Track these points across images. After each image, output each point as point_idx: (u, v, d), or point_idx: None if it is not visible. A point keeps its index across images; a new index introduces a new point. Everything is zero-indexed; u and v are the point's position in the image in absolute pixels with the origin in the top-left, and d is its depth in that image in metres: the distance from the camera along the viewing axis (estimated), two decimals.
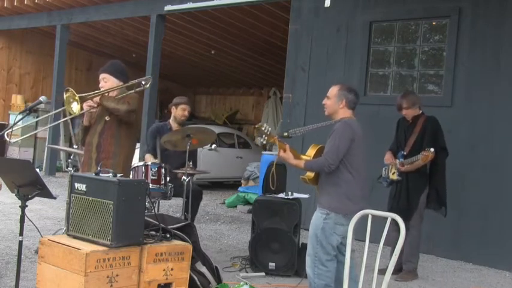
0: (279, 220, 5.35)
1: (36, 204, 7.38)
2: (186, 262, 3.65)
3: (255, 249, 5.40)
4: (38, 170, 6.38)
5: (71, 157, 5.97)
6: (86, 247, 3.26)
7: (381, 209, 3.76)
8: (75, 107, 4.23)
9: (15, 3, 11.76)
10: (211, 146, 9.06)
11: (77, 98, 4.22)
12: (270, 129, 3.98)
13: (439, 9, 7.02)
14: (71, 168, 5.46)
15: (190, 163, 5.62)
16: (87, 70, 15.18)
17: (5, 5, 12.05)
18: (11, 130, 4.25)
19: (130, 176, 5.03)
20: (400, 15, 7.36)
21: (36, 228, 3.98)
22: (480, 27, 6.65)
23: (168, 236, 3.70)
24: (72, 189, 3.53)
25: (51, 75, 12.66)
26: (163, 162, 5.63)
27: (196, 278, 4.01)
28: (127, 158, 4.55)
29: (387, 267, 3.09)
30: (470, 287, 5.52)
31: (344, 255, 3.91)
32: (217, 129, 12.81)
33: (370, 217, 3.16)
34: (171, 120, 6.17)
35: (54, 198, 3.84)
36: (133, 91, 4.63)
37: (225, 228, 7.79)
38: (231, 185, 12.46)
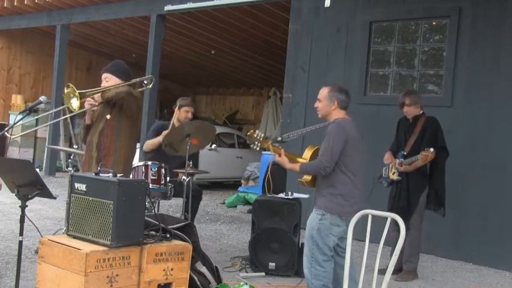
0: (279, 220, 5.35)
1: (36, 204, 7.38)
2: (186, 262, 3.65)
3: (255, 249, 5.40)
4: (38, 170, 6.37)
5: (71, 157, 5.97)
6: (86, 247, 3.25)
7: (381, 209, 3.76)
8: (75, 103, 4.23)
9: (15, 3, 11.76)
10: (211, 146, 9.05)
11: (77, 94, 4.21)
12: (262, 135, 3.98)
13: (439, 9, 7.02)
14: (71, 168, 5.46)
15: (190, 163, 5.62)
16: (87, 70, 15.19)
17: (5, 5, 12.05)
18: (11, 130, 4.25)
19: (131, 174, 5.03)
20: (400, 15, 7.36)
21: (36, 228, 3.98)
22: (480, 27, 6.65)
23: (168, 236, 3.69)
24: (72, 189, 3.52)
25: (51, 75, 12.66)
26: (163, 161, 5.61)
27: (196, 278, 4.01)
28: (128, 155, 4.54)
29: (387, 267, 3.09)
30: (470, 287, 5.52)
31: (340, 256, 3.93)
32: (217, 129, 12.82)
33: (370, 217, 3.16)
34: (174, 122, 6.15)
35: (54, 198, 3.84)
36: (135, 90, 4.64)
37: (225, 228, 7.79)
38: (231, 185, 12.46)
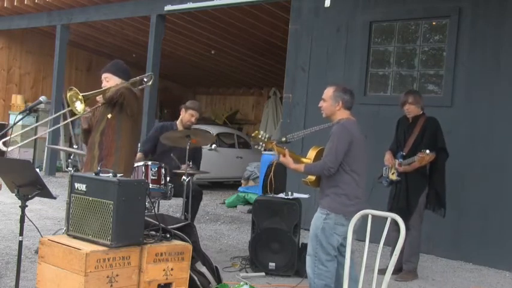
0: (279, 220, 5.35)
1: (36, 204, 7.38)
2: (186, 262, 3.65)
3: (255, 249, 5.40)
4: (38, 170, 6.37)
5: (71, 157, 5.97)
6: (86, 247, 3.25)
7: (381, 209, 3.76)
8: (79, 106, 4.24)
9: (15, 3, 11.75)
10: (211, 146, 9.05)
11: (80, 96, 4.23)
12: (267, 136, 3.99)
13: (439, 9, 7.02)
14: (71, 168, 5.47)
15: (190, 163, 5.62)
16: (87, 70, 15.18)
17: (5, 5, 12.05)
18: (11, 130, 4.25)
19: (135, 172, 5.03)
20: (400, 15, 7.36)
21: (36, 228, 3.98)
22: (480, 27, 6.65)
23: (168, 236, 3.69)
24: (72, 189, 3.52)
25: (51, 75, 12.66)
26: (164, 162, 5.62)
27: (196, 278, 4.02)
28: (129, 154, 4.54)
29: (387, 267, 3.09)
30: (470, 287, 5.52)
31: (343, 256, 3.92)
32: (217, 129, 12.85)
33: (370, 217, 3.16)
34: (178, 122, 6.15)
35: (54, 198, 3.84)
36: (135, 88, 4.64)
37: (225, 228, 7.79)
38: (231, 185, 12.46)
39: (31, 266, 4.86)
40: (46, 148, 12.18)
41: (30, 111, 4.07)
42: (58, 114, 9.00)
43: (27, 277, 4.48)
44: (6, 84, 14.15)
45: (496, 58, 6.52)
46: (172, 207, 8.66)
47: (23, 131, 6.05)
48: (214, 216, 8.69)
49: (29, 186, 3.50)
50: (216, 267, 4.39)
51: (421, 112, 5.61)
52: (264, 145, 3.98)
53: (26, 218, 3.51)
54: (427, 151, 5.30)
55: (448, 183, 5.63)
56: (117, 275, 3.29)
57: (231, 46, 12.24)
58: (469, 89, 6.69)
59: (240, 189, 10.29)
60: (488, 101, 6.54)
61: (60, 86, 11.94)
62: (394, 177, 5.58)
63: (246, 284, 4.48)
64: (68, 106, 4.36)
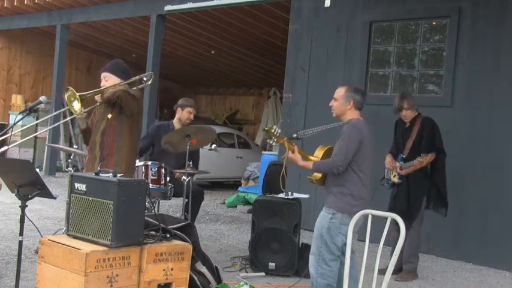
0: (279, 220, 5.35)
1: (36, 204, 7.38)
2: (186, 262, 3.65)
3: (255, 249, 5.40)
4: (38, 170, 6.37)
5: (71, 157, 5.97)
6: (86, 247, 3.25)
7: (382, 209, 3.75)
8: (77, 106, 4.26)
9: (15, 3, 11.76)
10: (211, 146, 9.06)
11: (77, 96, 4.24)
12: (279, 131, 4.01)
13: (439, 9, 7.02)
14: (71, 168, 5.47)
15: (190, 163, 5.62)
16: (87, 70, 15.19)
17: (5, 5, 12.05)
18: (11, 130, 4.24)
19: (135, 172, 5.03)
20: (400, 15, 7.36)
21: (36, 228, 3.98)
22: (480, 27, 6.65)
23: (168, 236, 3.69)
24: (72, 189, 3.52)
25: (51, 75, 12.66)
26: (162, 162, 5.62)
27: (196, 278, 4.01)
28: (130, 154, 4.54)
29: (387, 267, 3.09)
30: (470, 287, 5.52)
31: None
32: (217, 129, 12.80)
33: (370, 217, 3.16)
34: (175, 121, 6.15)
35: (54, 198, 3.84)
36: (135, 88, 4.64)
37: (225, 228, 7.79)
38: (231, 185, 12.46)
39: (31, 266, 4.86)
40: (46, 148, 12.18)
41: (30, 111, 4.07)
42: (56, 113, 9.00)
43: (27, 277, 4.48)
44: (6, 84, 14.16)
45: (496, 58, 6.52)
46: (172, 207, 8.66)
47: (23, 128, 6.05)
48: (214, 216, 8.69)
49: (29, 186, 3.50)
50: (216, 267, 4.39)
51: (417, 113, 5.61)
52: (276, 140, 3.99)
53: (26, 218, 3.51)
54: (426, 157, 5.38)
55: (448, 183, 5.63)
56: (117, 275, 3.29)
57: (231, 46, 12.24)
58: (469, 89, 6.69)
59: (240, 189, 10.29)
60: (488, 101, 6.54)
61: (60, 86, 11.94)
62: (395, 179, 5.59)
63: (246, 284, 4.48)
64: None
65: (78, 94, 4.24)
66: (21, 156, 12.01)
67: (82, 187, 3.44)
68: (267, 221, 5.38)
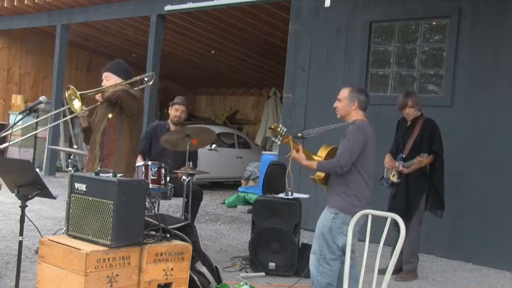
0: (279, 220, 5.35)
1: (36, 204, 7.38)
2: (186, 262, 3.65)
3: (255, 249, 5.40)
4: (38, 170, 6.37)
5: (71, 157, 5.97)
6: (86, 247, 3.25)
7: (382, 209, 3.76)
8: (77, 105, 4.26)
9: (15, 3, 11.75)
10: (211, 146, 9.06)
11: (77, 95, 4.24)
12: (285, 129, 4.01)
13: (439, 9, 7.02)
14: (71, 168, 5.46)
15: (190, 163, 5.62)
16: (87, 70, 15.19)
17: (5, 5, 12.05)
18: (11, 130, 4.25)
19: (135, 173, 5.03)
20: (400, 15, 7.36)
21: (36, 228, 3.98)
22: (480, 27, 6.65)
23: (168, 236, 3.69)
24: (72, 189, 3.52)
25: (51, 75, 12.66)
26: (162, 161, 5.63)
27: (196, 278, 4.01)
28: (130, 154, 4.54)
29: (387, 267, 3.09)
30: (470, 287, 5.52)
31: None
32: (217, 129, 12.83)
33: (370, 217, 3.16)
34: (169, 120, 6.19)
35: (54, 198, 3.84)
36: (136, 88, 4.64)
37: (225, 228, 7.79)
38: (231, 185, 12.46)
39: (31, 266, 4.86)
40: (46, 148, 12.18)
41: (30, 111, 4.07)
42: (56, 112, 9.00)
43: (27, 277, 4.48)
44: (6, 84, 14.15)
45: (496, 58, 6.52)
46: (172, 207, 8.66)
47: (23, 125, 6.03)
48: (214, 216, 8.69)
49: (29, 186, 3.50)
50: (216, 267, 4.39)
51: (419, 113, 5.61)
52: (281, 138, 4.00)
53: (26, 218, 3.51)
54: (425, 155, 5.38)
55: (448, 183, 5.63)
56: (117, 275, 3.29)
57: (231, 46, 12.24)
58: (469, 89, 6.69)
59: (240, 189, 10.29)
60: (488, 101, 6.54)
61: (60, 86, 11.94)
62: (395, 179, 5.59)
63: (246, 284, 4.48)
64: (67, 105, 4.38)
65: (78, 93, 4.25)
66: (21, 156, 12.01)
67: (82, 187, 3.44)
68: (267, 221, 5.38)
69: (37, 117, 11.81)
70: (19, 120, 4.09)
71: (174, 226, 3.93)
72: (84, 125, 4.66)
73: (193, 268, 3.97)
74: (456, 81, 6.79)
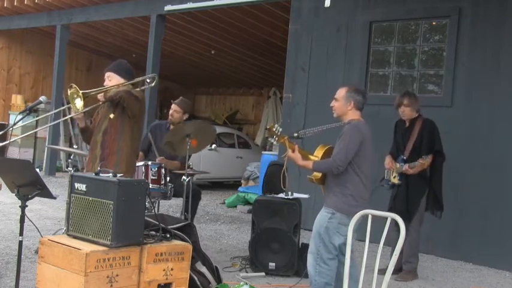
0: (279, 220, 5.35)
1: (36, 204, 7.38)
2: (186, 262, 3.65)
3: (255, 249, 5.40)
4: (38, 170, 6.37)
5: (71, 157, 5.97)
6: (86, 247, 3.25)
7: (382, 209, 3.75)
8: (79, 104, 4.26)
9: (15, 3, 11.75)
10: (211, 146, 9.07)
11: (80, 94, 4.24)
12: (280, 129, 4.02)
13: (439, 9, 7.02)
14: (71, 168, 5.46)
15: (191, 164, 5.62)
16: (87, 70, 15.18)
17: (5, 5, 12.04)
18: (11, 131, 4.25)
19: (135, 173, 5.03)
20: (400, 15, 7.36)
21: (36, 228, 3.98)
22: (480, 27, 6.65)
23: (168, 236, 3.69)
24: (72, 189, 3.52)
25: (51, 75, 12.66)
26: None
27: (196, 278, 4.02)
28: (130, 154, 4.54)
29: (387, 267, 3.09)
30: (470, 287, 5.52)
31: (345, 256, 3.93)
32: (217, 129, 12.82)
33: (370, 217, 3.16)
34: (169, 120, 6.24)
35: (54, 198, 3.84)
36: (138, 89, 4.64)
37: (225, 228, 7.79)
38: (231, 185, 12.46)
39: (31, 266, 4.86)
40: (46, 148, 12.18)
41: (30, 111, 4.07)
42: (56, 111, 9.00)
43: (27, 277, 4.48)
44: (6, 84, 14.15)
45: (496, 58, 6.52)
46: (172, 207, 8.66)
47: (22, 124, 6.03)
48: (214, 216, 8.69)
49: (29, 186, 3.50)
50: (216, 267, 4.39)
51: (417, 115, 5.61)
52: (277, 139, 4.00)
53: (26, 218, 3.51)
54: (427, 158, 5.41)
55: (448, 183, 5.63)
56: (117, 275, 3.29)
57: (231, 46, 12.24)
58: (469, 89, 6.69)
59: (240, 189, 10.29)
60: (488, 101, 6.54)
61: (60, 86, 11.94)
62: (396, 180, 5.59)
63: (246, 284, 4.48)
64: (68, 104, 4.38)
65: (81, 92, 4.25)
66: (21, 156, 12.01)
67: (82, 187, 3.44)
68: (267, 221, 5.38)
69: (37, 117, 11.82)
70: (19, 120, 4.09)
71: (174, 226, 3.93)
72: (81, 125, 4.66)
73: (193, 268, 3.97)
74: (456, 81, 6.79)
